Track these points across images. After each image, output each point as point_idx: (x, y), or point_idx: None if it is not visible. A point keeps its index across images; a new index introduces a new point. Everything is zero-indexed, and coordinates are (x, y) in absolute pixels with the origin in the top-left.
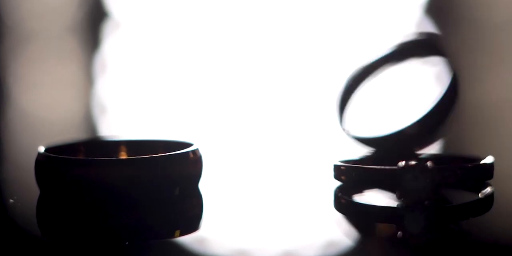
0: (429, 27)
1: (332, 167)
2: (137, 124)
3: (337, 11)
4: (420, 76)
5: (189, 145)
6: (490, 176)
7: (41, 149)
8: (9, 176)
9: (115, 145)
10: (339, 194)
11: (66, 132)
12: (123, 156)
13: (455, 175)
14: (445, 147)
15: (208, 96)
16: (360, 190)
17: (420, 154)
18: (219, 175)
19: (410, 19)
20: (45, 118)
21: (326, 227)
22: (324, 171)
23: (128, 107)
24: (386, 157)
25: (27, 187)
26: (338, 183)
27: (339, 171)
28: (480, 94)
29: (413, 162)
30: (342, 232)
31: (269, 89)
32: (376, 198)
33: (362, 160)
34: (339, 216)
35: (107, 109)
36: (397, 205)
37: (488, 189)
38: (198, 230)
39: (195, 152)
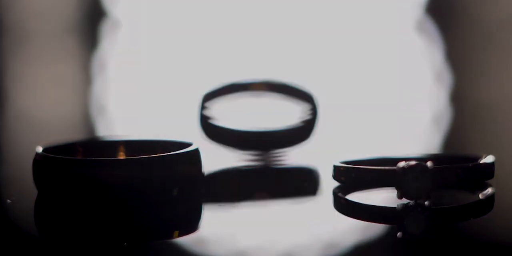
0: (430, 27)
1: (332, 168)
2: (135, 124)
3: (336, 10)
4: None
5: (189, 145)
6: (491, 176)
7: (39, 149)
8: (6, 176)
9: (114, 145)
10: (339, 194)
11: (64, 132)
12: (122, 156)
13: (455, 175)
14: (445, 147)
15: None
16: (360, 191)
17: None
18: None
19: (411, 18)
20: (43, 118)
21: (326, 227)
22: (324, 171)
23: (127, 107)
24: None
25: (24, 188)
26: (337, 184)
27: (339, 172)
28: (480, 93)
29: (413, 162)
30: (342, 232)
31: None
32: (376, 198)
33: (362, 161)
34: (339, 216)
35: (105, 109)
36: (397, 205)
37: (489, 189)
38: (197, 231)
39: (194, 152)
